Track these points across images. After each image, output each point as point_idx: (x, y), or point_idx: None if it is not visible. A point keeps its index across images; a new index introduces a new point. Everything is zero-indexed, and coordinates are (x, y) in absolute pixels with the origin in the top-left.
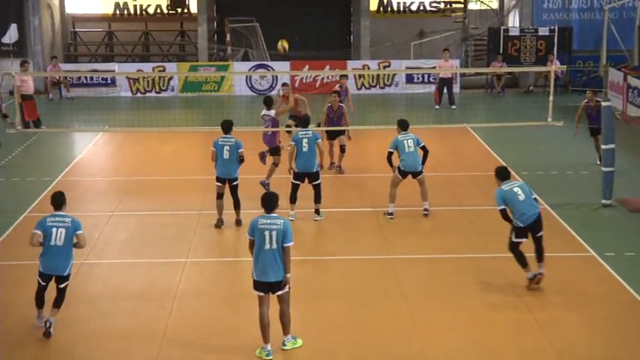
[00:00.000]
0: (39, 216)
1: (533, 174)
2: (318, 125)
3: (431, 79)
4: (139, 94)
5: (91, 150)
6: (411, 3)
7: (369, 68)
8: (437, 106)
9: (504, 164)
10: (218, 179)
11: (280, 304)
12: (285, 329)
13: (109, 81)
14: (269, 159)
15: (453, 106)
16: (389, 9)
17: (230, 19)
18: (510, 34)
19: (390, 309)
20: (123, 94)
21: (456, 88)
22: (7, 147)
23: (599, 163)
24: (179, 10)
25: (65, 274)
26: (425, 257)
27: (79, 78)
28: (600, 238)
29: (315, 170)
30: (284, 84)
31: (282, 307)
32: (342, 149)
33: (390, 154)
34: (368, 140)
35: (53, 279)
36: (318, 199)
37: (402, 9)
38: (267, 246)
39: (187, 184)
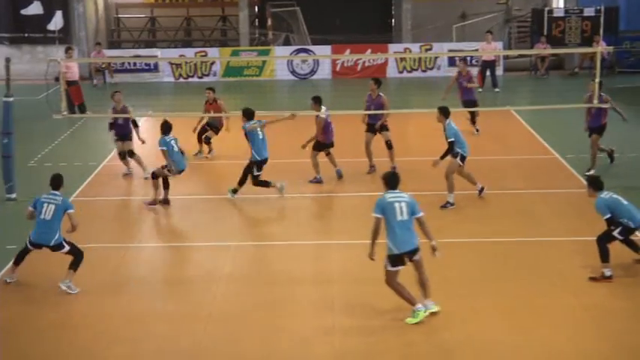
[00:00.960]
0: (86, 200)
1: (578, 157)
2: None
3: (473, 61)
4: (181, 80)
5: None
6: None
7: (410, 51)
8: (480, 89)
9: (595, 174)
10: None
11: (420, 269)
12: (428, 292)
13: (151, 66)
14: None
15: (497, 89)
16: None
17: (271, 3)
18: (555, 15)
19: (435, 294)
20: (165, 79)
21: (499, 71)
22: (53, 132)
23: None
24: None
25: (52, 244)
26: (469, 241)
27: (123, 64)
28: None
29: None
30: (208, 89)
31: (422, 272)
32: (389, 145)
33: (453, 143)
34: (409, 124)
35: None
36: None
37: None
38: (400, 217)
39: (231, 168)
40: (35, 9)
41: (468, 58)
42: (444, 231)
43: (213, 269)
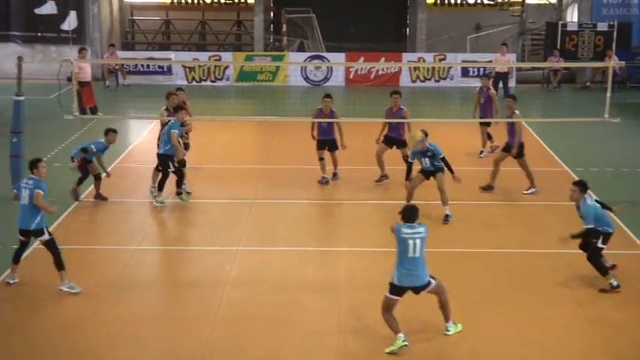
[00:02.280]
0: (94, 201)
1: (587, 170)
2: None
3: (487, 72)
4: (194, 83)
5: (146, 137)
6: None
7: (424, 61)
8: None
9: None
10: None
11: (438, 296)
12: (447, 317)
13: (165, 69)
14: (327, 154)
15: None
16: (446, 2)
17: (287, 9)
18: (568, 29)
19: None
20: (179, 82)
21: (512, 83)
22: (64, 133)
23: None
24: (236, 0)
25: (31, 228)
26: (477, 252)
27: (136, 66)
28: None
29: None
30: (178, 89)
31: (440, 298)
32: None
33: (444, 158)
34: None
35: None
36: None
37: (459, 2)
38: (412, 254)
39: (241, 173)
40: (49, 8)
41: (481, 69)
42: (452, 241)
43: (219, 273)
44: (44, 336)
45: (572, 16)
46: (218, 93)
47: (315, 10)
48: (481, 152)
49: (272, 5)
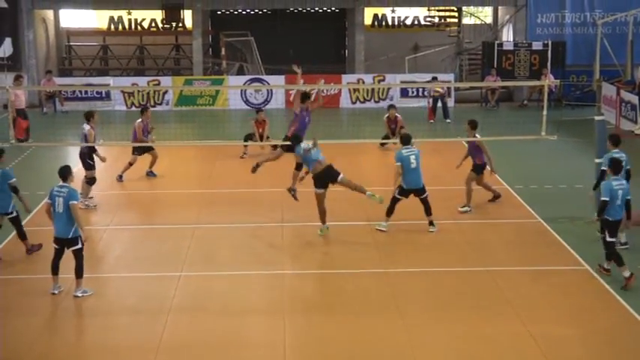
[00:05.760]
0: (33, 229)
1: (527, 187)
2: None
3: (425, 93)
4: (133, 108)
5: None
6: (406, 17)
7: (363, 82)
8: (431, 121)
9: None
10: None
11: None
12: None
13: (103, 95)
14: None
15: (448, 120)
16: (383, 23)
17: (225, 33)
18: (504, 48)
19: (385, 323)
20: (117, 107)
21: (451, 102)
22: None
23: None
24: (174, 24)
25: (69, 236)
26: (420, 271)
27: (74, 92)
28: (594, 252)
29: (422, 186)
30: (258, 110)
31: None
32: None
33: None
34: (363, 154)
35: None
36: (428, 210)
37: (396, 23)
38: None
39: (182, 197)
40: None
41: (420, 90)
42: (397, 260)
43: (162, 300)
44: None
45: (508, 35)
46: (158, 118)
47: (254, 34)
48: None
49: (210, 29)
